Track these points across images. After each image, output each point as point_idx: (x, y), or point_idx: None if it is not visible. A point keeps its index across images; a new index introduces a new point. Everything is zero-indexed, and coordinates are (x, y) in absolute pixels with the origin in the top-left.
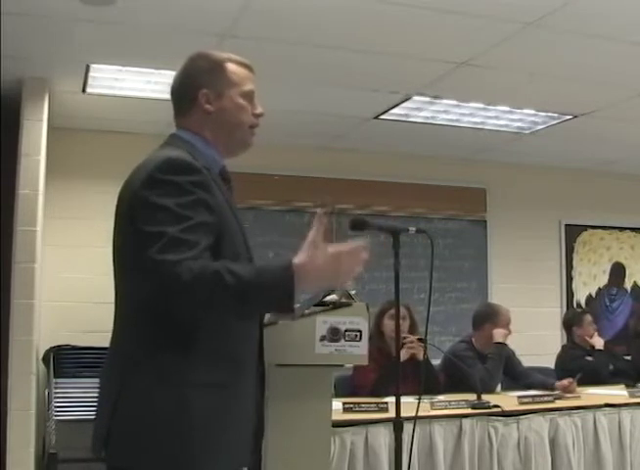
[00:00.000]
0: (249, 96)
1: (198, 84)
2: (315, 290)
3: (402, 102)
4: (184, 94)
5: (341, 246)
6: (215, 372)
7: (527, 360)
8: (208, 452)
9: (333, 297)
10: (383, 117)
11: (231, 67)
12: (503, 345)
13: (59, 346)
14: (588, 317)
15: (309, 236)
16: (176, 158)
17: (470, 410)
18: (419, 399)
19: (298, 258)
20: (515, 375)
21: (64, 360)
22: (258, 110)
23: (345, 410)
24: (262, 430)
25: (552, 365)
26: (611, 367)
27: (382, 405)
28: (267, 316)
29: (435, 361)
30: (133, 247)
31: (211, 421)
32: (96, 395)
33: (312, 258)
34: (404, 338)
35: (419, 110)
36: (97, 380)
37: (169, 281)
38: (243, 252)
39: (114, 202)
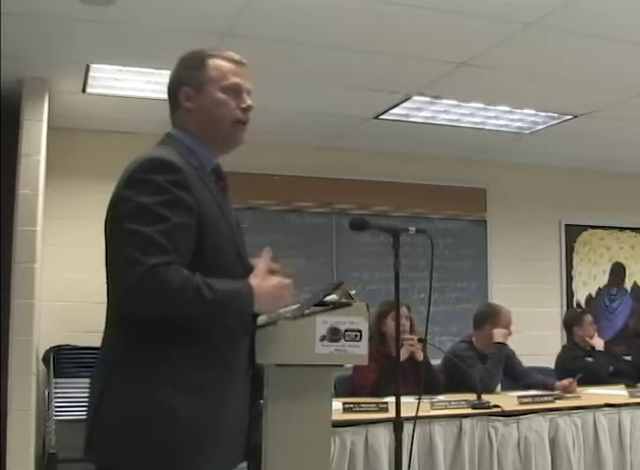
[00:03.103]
0: (233, 90)
1: (180, 82)
2: (265, 311)
3: (402, 102)
4: (170, 93)
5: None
6: (202, 373)
7: (527, 360)
8: (195, 453)
9: (333, 297)
10: (383, 117)
11: (213, 62)
12: (503, 345)
13: (59, 346)
14: (588, 317)
15: (259, 265)
16: (157, 157)
17: (470, 410)
18: (419, 399)
19: (254, 282)
20: (515, 375)
21: (64, 360)
22: (245, 103)
23: (345, 410)
24: (252, 431)
25: (552, 365)
26: (611, 368)
27: (382, 405)
28: (266, 317)
29: (436, 361)
30: (113, 245)
31: (198, 422)
32: None
33: (264, 283)
34: (404, 335)
35: (419, 110)
36: None
37: (136, 281)
38: (230, 251)
39: None
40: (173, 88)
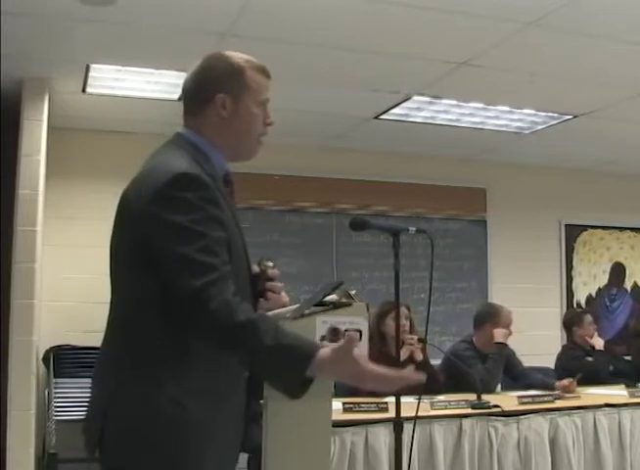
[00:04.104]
0: (263, 105)
1: (216, 87)
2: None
3: (402, 102)
4: (200, 94)
5: (379, 369)
6: (208, 377)
7: (527, 360)
8: (202, 455)
9: (333, 297)
10: (383, 117)
11: (251, 73)
12: (503, 345)
13: (59, 346)
14: (588, 317)
15: (345, 341)
16: (186, 172)
17: (470, 410)
18: (419, 399)
19: (325, 352)
20: (515, 375)
21: (64, 360)
22: (269, 119)
23: (345, 410)
24: (247, 433)
25: (552, 365)
26: (611, 368)
27: (382, 405)
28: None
29: (436, 361)
30: (144, 257)
31: (205, 424)
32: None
33: (337, 356)
34: (404, 335)
35: (419, 110)
36: None
37: (193, 305)
38: (243, 262)
39: (114, 202)
40: (206, 91)
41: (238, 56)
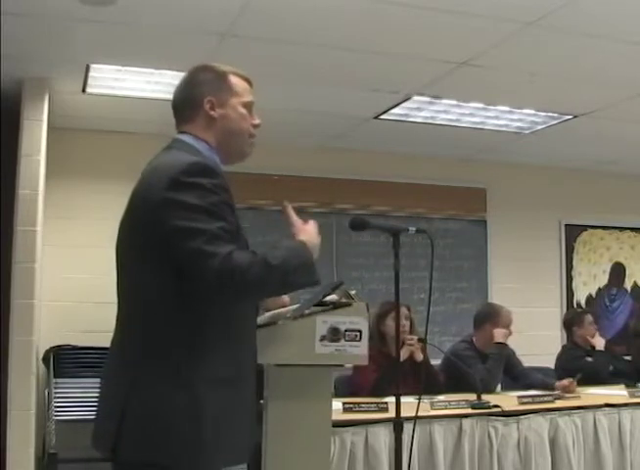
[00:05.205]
0: (248, 107)
1: (203, 92)
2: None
3: (402, 102)
4: (189, 101)
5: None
6: (222, 368)
7: (527, 360)
8: (220, 445)
9: (333, 297)
10: (383, 117)
11: (233, 78)
12: (503, 345)
13: (59, 346)
14: (588, 317)
15: (292, 220)
16: (198, 161)
17: (470, 410)
18: (419, 399)
19: (302, 236)
20: (515, 375)
21: (64, 360)
22: (257, 121)
23: (345, 410)
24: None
25: (552, 365)
26: (611, 368)
27: (382, 405)
28: (266, 317)
29: (436, 361)
30: (161, 245)
31: (222, 414)
32: (96, 394)
33: (306, 233)
34: (404, 335)
35: (419, 110)
36: (97, 380)
37: (224, 271)
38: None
39: (114, 202)
40: (195, 97)
41: (221, 65)
